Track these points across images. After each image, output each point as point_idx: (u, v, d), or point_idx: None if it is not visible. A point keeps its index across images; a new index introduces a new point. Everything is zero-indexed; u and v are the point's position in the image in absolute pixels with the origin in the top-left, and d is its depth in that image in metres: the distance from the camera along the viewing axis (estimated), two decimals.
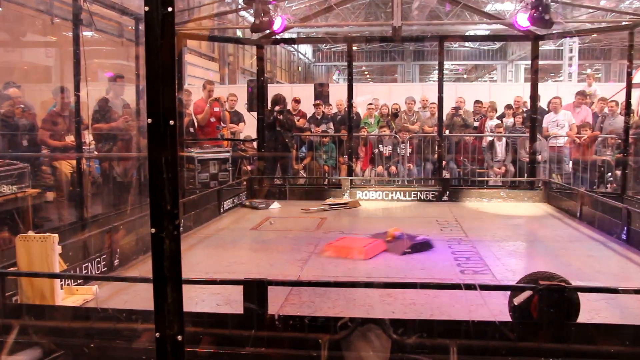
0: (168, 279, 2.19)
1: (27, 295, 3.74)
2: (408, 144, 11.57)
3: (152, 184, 2.18)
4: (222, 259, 5.69)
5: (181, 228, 6.74)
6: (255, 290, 3.27)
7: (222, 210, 8.37)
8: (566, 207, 8.37)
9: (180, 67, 8.29)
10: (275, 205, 8.91)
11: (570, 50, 26.67)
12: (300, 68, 38.10)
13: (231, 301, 4.13)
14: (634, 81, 10.47)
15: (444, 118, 11.59)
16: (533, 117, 9.97)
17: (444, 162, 10.80)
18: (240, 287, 3.29)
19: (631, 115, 9.61)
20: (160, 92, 2.16)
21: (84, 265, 4.75)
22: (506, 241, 6.52)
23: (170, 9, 2.11)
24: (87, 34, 8.90)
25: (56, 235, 3.85)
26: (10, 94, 8.63)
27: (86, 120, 8.20)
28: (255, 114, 10.62)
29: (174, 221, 2.19)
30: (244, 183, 9.79)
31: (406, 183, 10.76)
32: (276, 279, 4.69)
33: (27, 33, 11.98)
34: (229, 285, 3.80)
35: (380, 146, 11.73)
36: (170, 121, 2.18)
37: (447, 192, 9.67)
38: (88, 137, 9.00)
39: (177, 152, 2.24)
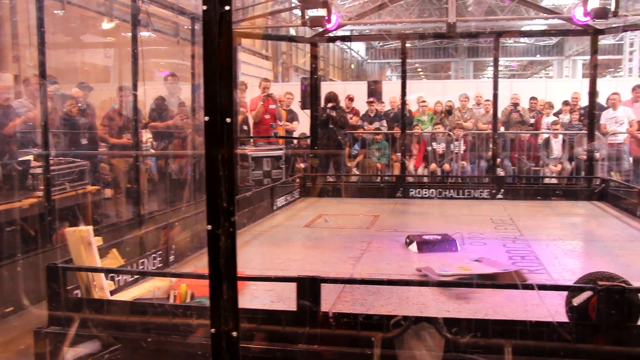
0: (224, 275, 2.22)
1: (86, 288, 3.83)
2: (462, 142, 11.42)
3: (208, 181, 2.21)
4: (276, 257, 5.73)
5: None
6: (309, 287, 3.28)
7: (275, 208, 8.43)
8: (626, 205, 8.09)
9: (235, 66, 8.39)
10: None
11: (631, 44, 25.75)
12: (353, 66, 38.03)
13: (284, 298, 4.15)
14: None
15: (500, 115, 11.39)
16: (591, 114, 9.66)
17: (498, 160, 10.60)
18: (294, 285, 3.30)
19: None
20: (217, 90, 2.19)
21: (140, 261, 4.86)
22: (563, 240, 6.34)
23: (227, 8, 2.13)
24: (144, 34, 9.11)
25: (90, 227, 3.87)
26: (73, 94, 8.91)
27: (144, 119, 8.41)
28: (308, 111, 10.66)
29: (229, 218, 2.22)
30: (297, 180, 9.84)
31: (460, 181, 10.60)
32: (329, 276, 4.70)
33: (87, 34, 12.36)
34: (283, 283, 3.82)
35: (434, 144, 11.61)
36: (227, 119, 2.20)
37: (502, 190, 9.47)
38: (145, 135, 9.21)
39: (234, 150, 2.26)
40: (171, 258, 5.37)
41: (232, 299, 2.22)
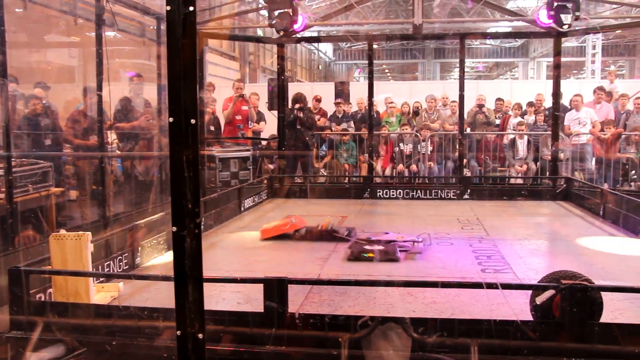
0: (189, 277, 2.21)
1: (62, 294, 3.79)
2: (429, 142, 11.52)
3: (173, 183, 2.19)
4: (243, 258, 5.71)
5: (202, 226, 6.80)
6: (276, 288, 3.28)
7: (242, 209, 8.40)
8: (589, 205, 8.27)
9: (201, 66, 8.32)
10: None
11: (594, 47, 26.37)
12: (320, 66, 38.08)
13: (252, 299, 4.14)
14: None
15: (466, 116, 11.53)
16: (555, 115, 9.85)
17: (464, 160, 10.73)
18: (261, 286, 3.30)
19: None
20: (181, 91, 2.18)
21: (106, 264, 4.80)
22: (528, 240, 6.45)
23: (191, 8, 2.13)
24: (109, 34, 8.99)
25: (89, 233, 3.88)
26: (36, 94, 8.75)
27: (109, 120, 8.30)
28: (276, 112, 10.65)
29: (195, 220, 2.21)
30: (265, 181, 9.81)
31: (427, 181, 10.70)
32: (296, 277, 4.71)
33: (50, 33, 12.14)
34: (250, 284, 3.80)
35: (401, 144, 11.69)
36: (192, 120, 2.19)
37: (468, 191, 9.60)
38: (110, 136, 9.10)
39: (199, 151, 2.25)
40: (137, 260, 5.31)
41: (197, 301, 2.21)
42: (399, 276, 4.97)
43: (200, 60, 8.39)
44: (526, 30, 13.26)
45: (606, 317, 3.43)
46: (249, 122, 10.91)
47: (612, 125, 11.04)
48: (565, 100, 12.38)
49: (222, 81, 18.61)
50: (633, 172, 10.97)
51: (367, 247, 5.73)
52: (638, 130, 10.86)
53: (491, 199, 9.47)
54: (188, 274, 2.20)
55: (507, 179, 11.10)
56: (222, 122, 11.16)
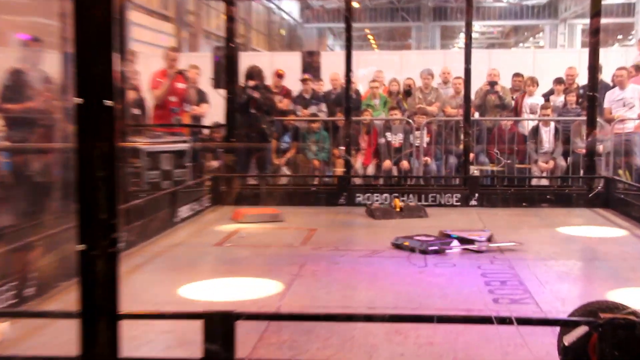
0: (101, 312, 2.18)
1: None
2: (425, 132, 11.60)
3: (81, 186, 2.17)
4: (177, 285, 5.67)
5: (121, 244, 6.75)
6: (220, 326, 3.26)
7: (177, 220, 8.35)
8: (637, 214, 8.40)
9: (121, 29, 8.22)
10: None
11: None
12: (283, 31, 38.13)
13: (187, 342, 4.11)
14: None
15: (473, 96, 11.62)
16: (592, 95, 9.96)
17: (471, 155, 10.82)
18: (200, 323, 3.27)
19: None
20: (93, 62, 2.15)
21: None
22: (555, 260, 6.51)
23: None
24: None
25: None
26: None
27: None
28: (223, 91, 10.61)
29: (110, 235, 2.19)
30: (208, 183, 9.76)
31: (422, 183, 10.76)
32: (248, 310, 4.69)
33: None
34: (185, 320, 3.76)
35: (388, 134, 11.76)
36: (106, 101, 2.17)
37: (476, 195, 9.66)
38: None
39: (116, 143, 2.23)
40: (29, 291, 5.22)
41: (111, 345, 2.19)
42: (384, 308, 4.98)
43: (120, 20, 8.27)
44: None
45: None
46: (187, 104, 10.84)
47: None
48: (606, 76, 12.57)
49: (151, 49, 18.50)
50: None
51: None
52: None
53: (506, 205, 9.54)
54: (99, 307, 2.17)
55: (527, 180, 11.22)
56: (150, 105, 11.05)
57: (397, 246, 6.88)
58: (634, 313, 3.31)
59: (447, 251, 6.72)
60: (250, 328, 4.33)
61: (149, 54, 15.25)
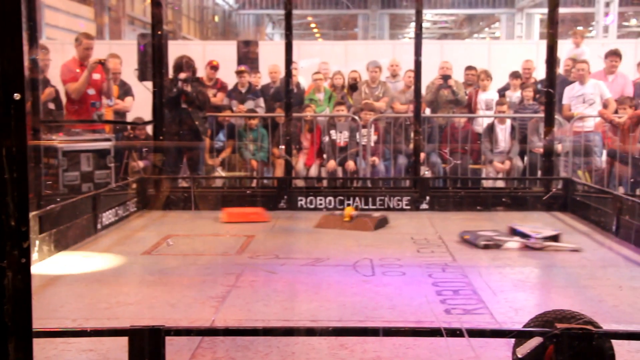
0: (12, 330, 2.16)
1: None
2: (372, 129, 11.67)
3: None
4: (100, 299, 5.62)
5: (34, 254, 6.66)
6: (147, 342, 3.25)
7: (100, 226, 8.26)
8: (597, 218, 8.57)
9: (32, 11, 8.04)
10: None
11: None
12: (217, 18, 37.97)
13: None
14: None
15: (424, 91, 11.73)
16: (549, 91, 10.16)
17: (422, 155, 10.93)
18: (125, 339, 3.26)
19: None
20: None
21: None
22: (511, 267, 6.64)
23: None
24: None
25: None
26: None
27: None
28: (150, 84, 10.52)
29: (21, 244, 2.16)
30: (134, 186, 9.67)
31: (369, 185, 10.82)
32: (179, 325, 4.66)
33: None
34: (108, 338, 3.73)
35: (333, 132, 11.80)
36: (15, 94, 2.15)
37: (427, 198, 9.77)
38: None
39: (27, 141, 2.21)
40: None
41: None
42: (328, 321, 5.00)
43: (30, 2, 8.11)
44: None
45: None
46: (109, 98, 10.71)
47: (629, 105, 11.44)
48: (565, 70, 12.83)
49: (67, 35, 18.25)
50: None
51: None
52: None
53: (459, 209, 9.66)
54: (9, 325, 2.15)
55: (482, 181, 11.37)
56: (63, 99, 10.85)
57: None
58: (590, 322, 3.39)
59: (505, 246, 7.35)
60: (182, 344, 4.33)
61: (65, 42, 15.01)
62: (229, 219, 8.81)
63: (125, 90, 11.86)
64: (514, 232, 7.72)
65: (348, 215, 8.54)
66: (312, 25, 44.82)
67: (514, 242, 7.38)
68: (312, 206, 9.82)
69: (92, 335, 3.91)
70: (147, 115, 10.90)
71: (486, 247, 7.29)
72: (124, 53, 12.67)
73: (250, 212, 9.08)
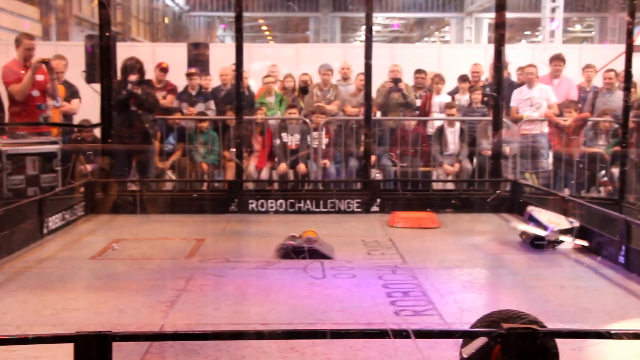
0: None
1: None
2: (323, 132, 11.69)
3: None
4: (45, 305, 5.54)
5: None
6: (94, 349, 3.21)
7: (46, 231, 8.15)
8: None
9: None
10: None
11: None
12: (167, 20, 37.74)
13: None
14: (636, 43, 11.00)
15: (375, 94, 11.79)
16: (496, 95, 10.29)
17: (373, 158, 10.97)
18: (70, 346, 3.22)
19: (632, 90, 10.06)
20: None
21: None
22: (460, 268, 6.70)
23: None
24: None
25: None
26: None
27: None
28: (98, 86, 10.41)
29: None
30: (81, 190, 9.56)
31: (320, 187, 10.84)
32: (126, 331, 4.62)
33: None
34: (53, 345, 3.68)
35: (284, 135, 11.79)
36: None
37: (378, 200, 9.82)
38: None
39: None
40: None
41: None
42: (279, 324, 5.00)
43: None
44: None
45: None
46: (55, 99, 10.56)
47: (575, 109, 11.64)
48: (513, 74, 13.00)
49: (12, 36, 17.98)
50: (603, 172, 11.63)
51: None
52: (608, 114, 11.49)
53: (409, 211, 9.72)
54: None
55: (431, 184, 11.46)
56: (5, 102, 10.66)
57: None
58: (535, 322, 3.44)
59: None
60: (130, 350, 4.29)
61: (10, 42, 14.80)
62: (403, 224, 8.83)
63: (72, 92, 11.72)
64: (530, 218, 7.77)
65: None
66: (264, 27, 44.76)
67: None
68: (263, 209, 9.80)
69: (35, 342, 3.84)
70: (95, 118, 10.77)
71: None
72: (71, 54, 12.53)
73: (422, 217, 9.08)
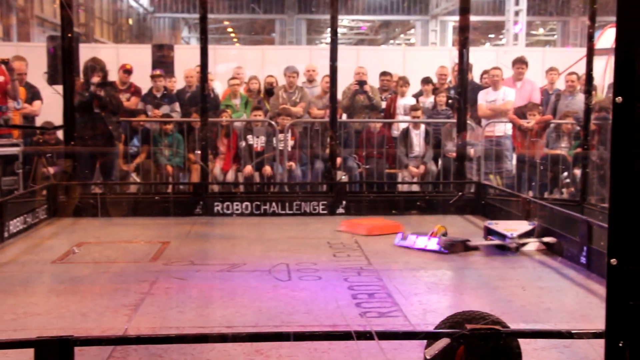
0: None
1: None
2: (289, 134, 11.69)
3: None
4: (5, 310, 5.49)
5: None
6: (55, 354, 3.19)
7: (7, 234, 8.07)
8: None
9: None
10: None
11: (517, 2, 27.86)
12: (131, 21, 37.52)
13: None
14: (597, 46, 11.16)
15: (340, 96, 11.80)
16: (460, 97, 10.37)
17: (339, 160, 10.99)
18: (31, 352, 3.19)
19: (593, 93, 10.21)
20: None
21: None
22: (425, 270, 6.74)
23: None
24: None
25: None
26: None
27: None
28: (60, 88, 10.32)
29: None
30: (43, 193, 9.47)
31: (286, 190, 10.84)
32: (89, 335, 4.59)
33: None
34: (13, 350, 3.65)
35: (250, 137, 11.77)
36: None
37: (344, 202, 9.85)
38: None
39: None
40: None
41: None
42: (244, 327, 5.00)
43: None
44: None
45: None
46: (16, 100, 10.45)
47: (538, 111, 11.76)
48: (477, 76, 13.11)
49: None
50: (565, 174, 11.76)
51: None
52: (570, 117, 11.64)
53: (375, 212, 9.77)
54: None
55: (397, 186, 11.51)
56: None
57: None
58: (498, 322, 3.47)
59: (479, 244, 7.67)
60: (93, 355, 4.26)
61: None
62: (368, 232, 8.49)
63: (34, 94, 11.61)
64: (489, 231, 7.83)
65: None
66: (229, 29, 44.66)
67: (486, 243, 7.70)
68: (229, 212, 9.80)
69: None
70: (57, 120, 10.68)
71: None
72: (33, 55, 12.42)
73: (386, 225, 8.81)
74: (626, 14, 2.34)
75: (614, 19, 2.40)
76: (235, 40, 46.20)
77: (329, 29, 12.49)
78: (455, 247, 7.49)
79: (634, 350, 2.45)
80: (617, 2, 2.35)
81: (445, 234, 7.74)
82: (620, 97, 2.37)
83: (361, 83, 12.31)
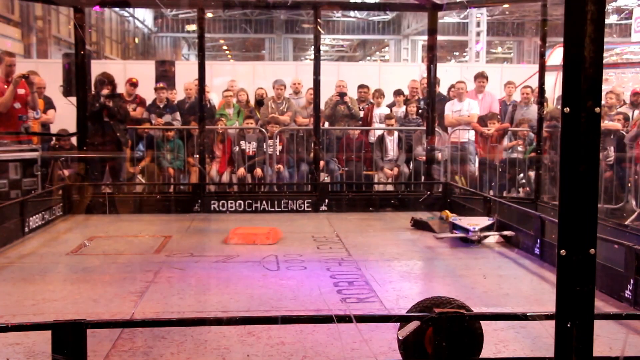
0: None
1: None
2: (277, 140, 11.69)
3: None
4: (26, 296, 5.46)
5: None
6: (70, 335, 3.18)
7: (27, 230, 8.03)
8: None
9: None
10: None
11: (478, 24, 28.03)
12: (137, 40, 37.40)
13: (36, 354, 3.97)
14: (548, 63, 11.26)
15: (323, 107, 11.85)
16: (428, 107, 10.44)
17: (322, 163, 11.01)
18: (48, 333, 3.18)
19: (545, 104, 10.34)
20: None
21: None
22: (398, 260, 6.76)
23: None
24: None
25: None
26: None
27: None
28: (74, 99, 10.29)
29: None
30: (59, 192, 9.45)
31: (275, 190, 10.86)
32: (100, 319, 4.59)
33: None
34: (32, 332, 3.64)
35: (242, 143, 11.77)
36: None
37: (326, 201, 9.89)
38: None
39: None
40: None
41: None
42: (237, 311, 5.00)
43: None
44: (396, 1, 13.91)
45: (488, 352, 3.68)
46: (36, 111, 10.40)
47: (497, 120, 11.88)
48: (444, 88, 13.17)
49: None
50: (521, 175, 11.86)
51: None
52: (525, 124, 11.75)
53: (354, 210, 9.82)
54: None
55: (373, 186, 11.55)
56: None
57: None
58: (463, 307, 3.49)
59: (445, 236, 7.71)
60: (104, 336, 4.26)
61: None
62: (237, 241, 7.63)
63: (48, 103, 11.56)
64: (454, 226, 7.87)
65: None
66: (224, 47, 44.60)
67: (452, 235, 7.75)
68: (224, 209, 9.84)
69: (16, 330, 3.79)
70: (69, 127, 10.66)
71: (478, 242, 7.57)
72: (50, 71, 12.36)
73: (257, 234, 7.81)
74: (572, 35, 2.38)
75: (562, 39, 2.44)
76: (229, 56, 46.15)
77: (312, 47, 12.50)
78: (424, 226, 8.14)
79: (580, 329, 2.49)
80: (565, 25, 2.38)
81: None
82: (567, 108, 2.41)
83: (342, 95, 12.34)
